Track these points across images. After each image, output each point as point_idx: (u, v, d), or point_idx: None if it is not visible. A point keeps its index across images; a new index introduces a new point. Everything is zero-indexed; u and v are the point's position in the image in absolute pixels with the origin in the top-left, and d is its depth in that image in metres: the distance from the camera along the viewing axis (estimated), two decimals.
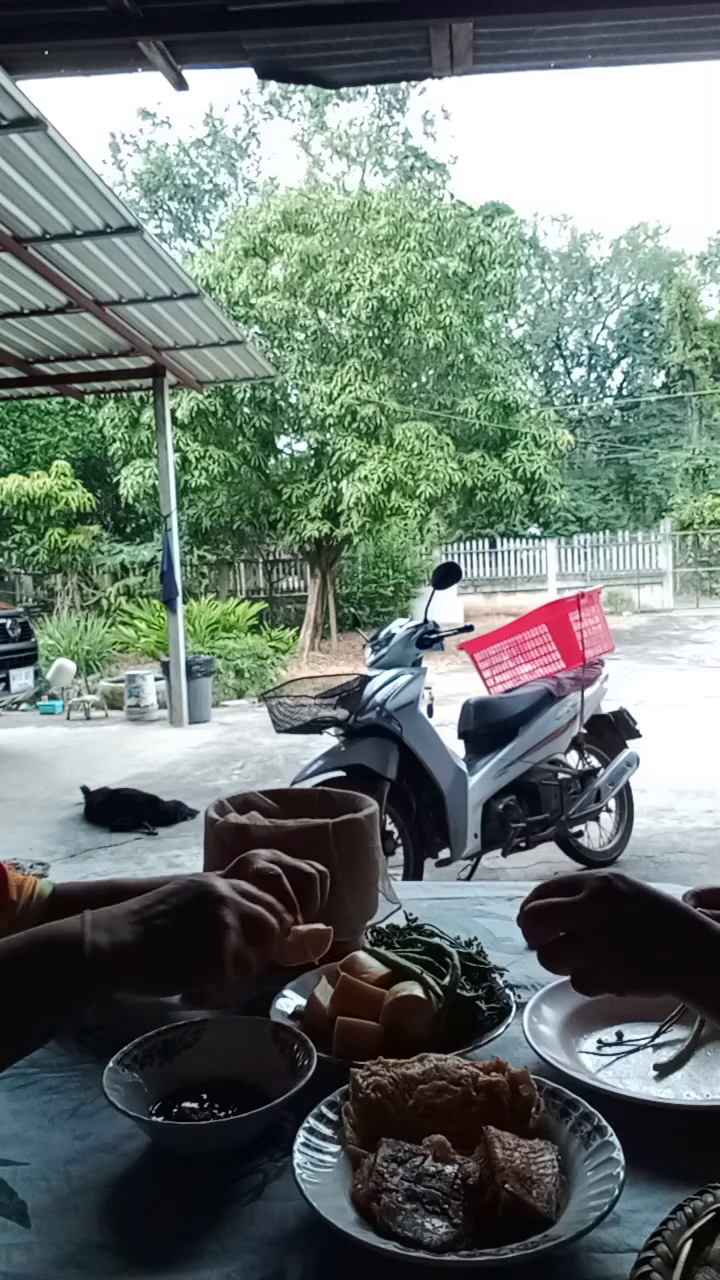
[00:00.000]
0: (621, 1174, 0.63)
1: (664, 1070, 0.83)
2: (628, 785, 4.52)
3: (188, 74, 3.09)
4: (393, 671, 3.77)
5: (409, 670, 3.80)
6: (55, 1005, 0.68)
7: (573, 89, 65.70)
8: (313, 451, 16.11)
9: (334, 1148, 0.68)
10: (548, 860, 4.49)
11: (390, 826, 3.70)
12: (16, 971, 0.67)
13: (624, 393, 30.66)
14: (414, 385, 17.39)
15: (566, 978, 0.94)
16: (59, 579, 17.64)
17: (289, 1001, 0.92)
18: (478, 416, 16.59)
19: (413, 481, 14.71)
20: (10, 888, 0.96)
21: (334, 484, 15.14)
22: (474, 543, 22.02)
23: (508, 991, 0.91)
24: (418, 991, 0.85)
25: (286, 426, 16.50)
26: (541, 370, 31.36)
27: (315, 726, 3.70)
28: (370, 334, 15.05)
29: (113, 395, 13.36)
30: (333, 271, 14.79)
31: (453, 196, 19.28)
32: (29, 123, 4.71)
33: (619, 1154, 0.65)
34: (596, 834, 4.51)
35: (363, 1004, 0.85)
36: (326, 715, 3.65)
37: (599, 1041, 0.88)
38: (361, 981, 0.87)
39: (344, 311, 15.03)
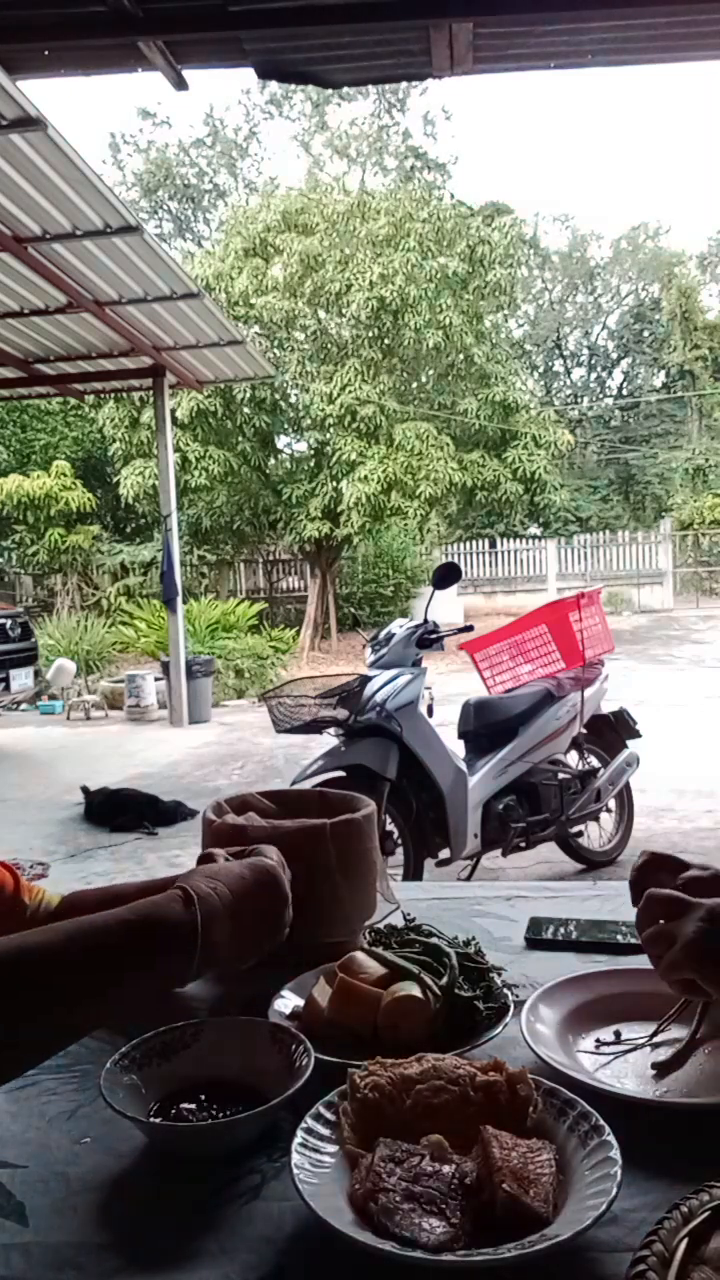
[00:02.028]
0: (619, 1173, 0.63)
1: (662, 1069, 0.83)
2: (628, 785, 4.52)
3: (188, 74, 3.09)
4: (393, 671, 3.77)
5: (409, 670, 3.80)
6: (161, 981, 0.78)
7: (573, 89, 65.76)
8: (313, 451, 16.11)
9: (331, 1148, 0.68)
10: (548, 860, 4.49)
11: (390, 826, 3.70)
12: (131, 948, 0.74)
13: (624, 393, 30.66)
14: (414, 385, 17.39)
15: (563, 978, 0.95)
16: (59, 579, 17.64)
17: (287, 1002, 0.92)
18: (478, 416, 16.59)
19: (413, 481, 14.71)
20: (22, 891, 0.98)
21: (334, 484, 15.14)
22: (474, 543, 22.01)
23: (505, 991, 0.90)
24: (415, 991, 0.85)
25: (286, 426, 16.50)
26: (541, 370, 31.36)
27: (315, 726, 3.70)
28: (370, 334, 15.05)
29: (113, 395, 13.36)
30: (333, 271, 14.79)
31: (453, 196, 19.27)
32: (29, 123, 4.72)
33: (616, 1153, 0.65)
34: (596, 834, 4.51)
35: (360, 1004, 0.85)
36: (326, 715, 3.66)
37: (597, 1041, 0.88)
38: (359, 982, 0.87)
39: (344, 311, 15.03)
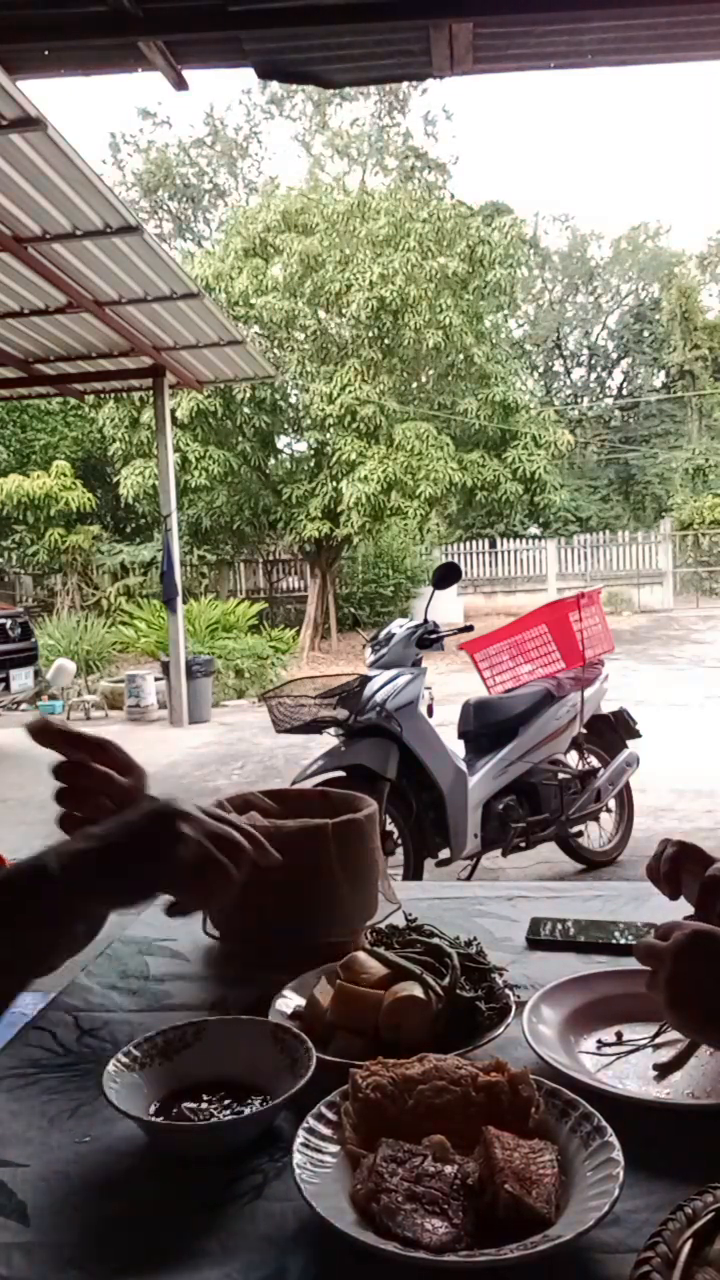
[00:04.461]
0: (621, 1174, 0.63)
1: (664, 1070, 0.83)
2: (628, 785, 4.52)
3: (188, 74, 3.08)
4: (393, 671, 3.77)
5: (409, 670, 3.80)
6: (35, 930, 0.71)
7: (573, 89, 65.81)
8: (313, 451, 16.11)
9: (333, 1148, 0.68)
10: (548, 860, 4.49)
11: (390, 826, 3.70)
12: None
13: (624, 393, 30.66)
14: (414, 385, 17.38)
15: (565, 978, 0.95)
16: (59, 579, 17.64)
17: (288, 1002, 0.92)
18: (478, 416, 16.59)
19: (413, 481, 14.71)
20: None
21: (334, 484, 15.14)
22: (474, 543, 22.01)
23: (507, 991, 0.90)
24: (417, 992, 0.85)
25: (286, 426, 16.50)
26: (541, 370, 31.35)
27: (315, 726, 3.70)
28: (370, 334, 15.05)
29: (113, 395, 13.36)
30: (333, 271, 14.79)
31: (453, 196, 19.26)
32: (29, 123, 4.71)
33: (618, 1154, 0.65)
34: (596, 834, 4.51)
35: (362, 1004, 0.85)
36: (326, 715, 3.65)
37: (599, 1041, 0.88)
38: (361, 982, 0.87)
39: (344, 311, 15.03)
